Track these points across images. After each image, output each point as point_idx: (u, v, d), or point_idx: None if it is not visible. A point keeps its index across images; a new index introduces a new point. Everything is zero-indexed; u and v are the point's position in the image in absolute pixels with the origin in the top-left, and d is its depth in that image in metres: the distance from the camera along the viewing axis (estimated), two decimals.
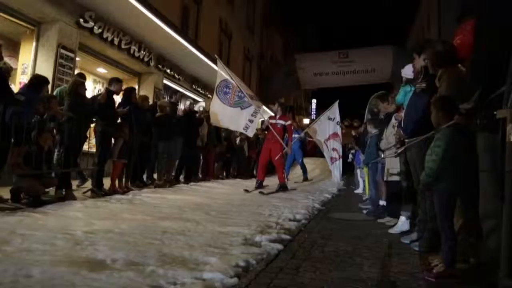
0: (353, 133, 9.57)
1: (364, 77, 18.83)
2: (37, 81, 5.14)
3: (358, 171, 9.34)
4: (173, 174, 8.29)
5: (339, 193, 8.64)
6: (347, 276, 2.55)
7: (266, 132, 9.13)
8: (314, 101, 43.47)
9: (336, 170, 9.79)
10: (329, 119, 9.50)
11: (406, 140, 3.56)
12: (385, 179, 4.65)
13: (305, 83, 20.82)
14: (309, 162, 18.22)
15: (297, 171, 13.37)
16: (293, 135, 8.97)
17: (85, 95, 5.94)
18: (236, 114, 7.98)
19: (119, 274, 2.29)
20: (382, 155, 4.79)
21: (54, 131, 5.42)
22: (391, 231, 4.16)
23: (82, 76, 6.01)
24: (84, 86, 5.87)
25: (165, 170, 7.81)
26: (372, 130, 5.73)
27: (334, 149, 9.53)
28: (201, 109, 9.65)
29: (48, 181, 4.99)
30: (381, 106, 5.74)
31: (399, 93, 4.26)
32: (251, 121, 8.08)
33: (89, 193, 5.70)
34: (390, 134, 4.54)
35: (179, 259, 2.68)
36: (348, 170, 11.76)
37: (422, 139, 3.08)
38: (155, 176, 7.84)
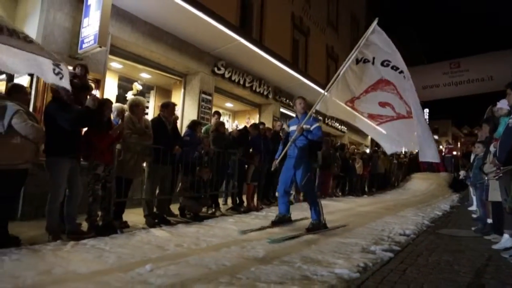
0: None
1: (480, 87, 18.04)
2: (194, 124, 6.79)
3: (471, 188, 9.38)
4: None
5: (451, 210, 8.84)
6: (444, 277, 3.34)
7: None
8: (426, 110, 41.58)
9: (388, 139, 5.55)
10: (364, 61, 5.20)
11: (501, 168, 4.15)
12: (488, 199, 5.13)
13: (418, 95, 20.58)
14: (420, 178, 18.08)
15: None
16: (290, 128, 5.84)
17: (224, 131, 7.51)
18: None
19: (278, 267, 3.45)
20: (486, 177, 5.27)
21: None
22: (495, 247, 4.64)
23: (219, 115, 7.64)
24: (224, 125, 7.44)
25: None
26: (479, 151, 6.15)
27: (382, 104, 5.29)
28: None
29: (205, 202, 6.54)
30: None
31: (500, 123, 4.78)
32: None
33: (229, 210, 7.17)
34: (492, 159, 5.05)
35: (315, 260, 3.76)
36: (463, 186, 11.54)
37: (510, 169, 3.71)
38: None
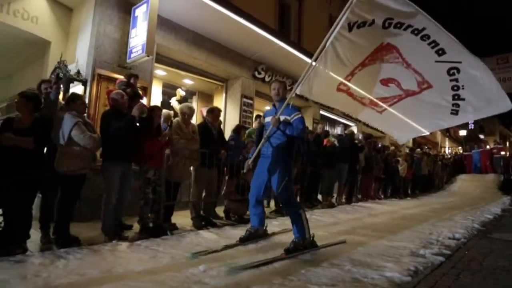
0: None
1: None
2: (238, 128, 6.92)
3: None
4: (334, 195, 9.44)
5: (503, 214, 8.47)
6: (500, 284, 3.23)
7: None
8: None
9: (396, 125, 4.68)
10: (359, 26, 3.76)
11: None
12: None
13: None
14: (466, 179, 17.39)
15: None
16: (266, 119, 4.57)
17: None
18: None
19: (328, 270, 3.48)
20: None
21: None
22: None
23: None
24: None
25: (327, 192, 9.01)
26: None
27: (385, 82, 4.17)
28: (360, 137, 10.59)
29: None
30: None
31: None
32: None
33: (273, 213, 7.23)
34: None
35: (364, 262, 3.76)
36: None
37: None
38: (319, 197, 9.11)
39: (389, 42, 3.80)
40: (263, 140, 4.42)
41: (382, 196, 11.81)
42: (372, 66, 4.03)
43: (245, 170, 4.76)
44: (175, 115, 6.42)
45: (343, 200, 9.48)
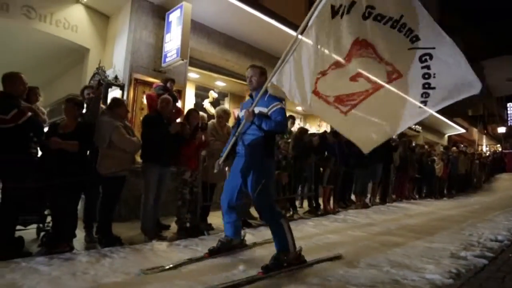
0: None
1: None
2: None
3: None
4: (368, 195, 9.31)
5: None
6: None
7: None
8: (509, 105, 38.30)
9: (362, 130, 3.81)
10: (342, 13, 3.33)
11: None
12: None
13: (497, 89, 19.22)
14: (506, 179, 16.70)
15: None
16: (242, 112, 3.90)
17: (304, 139, 7.59)
18: None
19: (367, 271, 3.47)
20: None
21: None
22: None
23: (294, 119, 7.74)
24: (307, 133, 7.55)
25: (360, 193, 8.90)
26: None
27: (353, 77, 3.55)
28: (394, 136, 10.35)
29: (283, 205, 6.68)
30: None
31: None
32: None
33: (307, 213, 7.23)
34: None
35: (402, 264, 3.72)
36: None
37: None
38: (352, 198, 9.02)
39: (366, 39, 3.38)
40: (233, 138, 3.86)
41: (417, 196, 11.54)
42: (345, 67, 3.43)
43: (215, 170, 4.10)
44: (210, 117, 6.54)
45: (377, 201, 9.34)
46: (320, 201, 7.60)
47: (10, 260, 3.35)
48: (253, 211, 6.40)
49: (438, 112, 4.13)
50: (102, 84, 5.51)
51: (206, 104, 9.27)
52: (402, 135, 10.81)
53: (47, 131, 4.25)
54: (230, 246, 3.96)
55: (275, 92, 3.53)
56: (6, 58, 7.88)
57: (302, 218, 6.62)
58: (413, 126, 16.39)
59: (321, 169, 7.62)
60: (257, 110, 3.62)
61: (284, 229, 3.52)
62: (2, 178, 3.90)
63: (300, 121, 12.59)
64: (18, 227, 4.02)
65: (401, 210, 8.20)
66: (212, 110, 8.46)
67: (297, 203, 7.95)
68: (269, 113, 3.57)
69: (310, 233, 5.23)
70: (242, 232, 4.26)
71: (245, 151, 3.73)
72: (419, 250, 4.33)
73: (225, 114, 5.59)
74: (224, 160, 3.98)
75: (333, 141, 7.80)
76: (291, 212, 6.92)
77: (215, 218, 5.78)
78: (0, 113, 3.69)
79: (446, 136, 20.73)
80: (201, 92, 9.69)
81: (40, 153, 4.27)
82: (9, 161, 3.73)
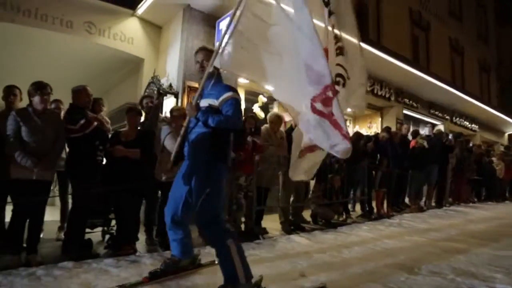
0: None
1: None
2: None
3: None
4: (423, 198, 8.99)
5: None
6: None
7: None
8: None
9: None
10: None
11: None
12: None
13: None
14: None
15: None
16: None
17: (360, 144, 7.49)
18: None
19: (430, 278, 3.36)
20: None
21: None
22: None
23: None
24: (362, 137, 7.47)
25: (415, 196, 8.61)
26: None
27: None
28: (450, 136, 9.91)
29: (336, 209, 6.62)
30: None
31: None
32: None
33: (360, 217, 7.12)
34: None
35: (468, 272, 3.56)
36: None
37: None
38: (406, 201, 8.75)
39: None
40: (179, 138, 3.14)
41: (476, 200, 10.98)
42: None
43: (163, 179, 3.87)
44: (261, 121, 6.62)
45: (433, 204, 8.98)
46: (373, 204, 7.45)
47: (82, 261, 3.56)
48: (305, 215, 6.42)
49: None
50: (162, 93, 5.73)
51: (256, 108, 9.36)
52: (458, 134, 10.31)
53: (110, 139, 4.50)
54: (177, 268, 3.22)
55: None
56: (69, 71, 8.43)
57: (355, 222, 6.52)
58: (469, 125, 15.61)
59: (373, 172, 7.47)
60: (205, 103, 2.98)
61: (231, 254, 2.67)
62: (72, 184, 4.21)
63: (350, 123, 12.38)
64: (86, 230, 4.28)
65: (460, 215, 7.85)
66: (262, 115, 8.54)
67: (349, 206, 7.85)
68: (218, 104, 2.92)
69: (366, 238, 5.15)
70: (196, 250, 3.48)
71: (189, 152, 3.05)
72: (485, 258, 4.13)
73: (277, 119, 5.65)
74: (175, 164, 3.22)
75: (384, 137, 7.61)
76: (343, 216, 6.84)
77: (268, 222, 5.86)
78: (69, 124, 3.98)
79: (506, 134, 19.52)
80: (251, 97, 9.78)
81: (105, 160, 4.52)
82: (79, 167, 4.01)
